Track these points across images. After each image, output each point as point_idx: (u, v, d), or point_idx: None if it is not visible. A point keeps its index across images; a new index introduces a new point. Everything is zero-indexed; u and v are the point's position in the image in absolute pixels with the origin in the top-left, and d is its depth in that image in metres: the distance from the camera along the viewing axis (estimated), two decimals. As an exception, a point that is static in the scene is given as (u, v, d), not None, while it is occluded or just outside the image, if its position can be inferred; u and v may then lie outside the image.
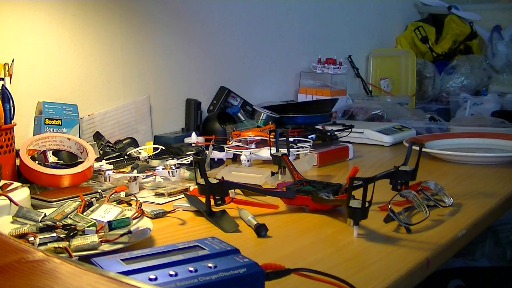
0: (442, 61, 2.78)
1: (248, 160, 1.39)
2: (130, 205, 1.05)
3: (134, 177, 1.17)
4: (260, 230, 0.91)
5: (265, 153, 1.39)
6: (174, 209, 1.05)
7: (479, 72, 2.62)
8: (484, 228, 1.05)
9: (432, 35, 2.88)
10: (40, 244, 0.79)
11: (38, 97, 1.37)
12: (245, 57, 2.01)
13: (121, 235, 0.82)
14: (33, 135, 1.31)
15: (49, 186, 1.13)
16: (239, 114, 1.74)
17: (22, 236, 0.81)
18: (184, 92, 1.76)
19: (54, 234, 0.82)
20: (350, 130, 1.70)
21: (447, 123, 2.07)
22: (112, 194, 1.04)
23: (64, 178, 1.11)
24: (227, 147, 1.44)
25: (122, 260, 0.65)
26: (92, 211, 0.94)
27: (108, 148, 1.39)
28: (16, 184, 1.05)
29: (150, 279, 0.60)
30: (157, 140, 1.62)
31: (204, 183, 0.97)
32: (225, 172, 1.27)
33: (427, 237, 0.90)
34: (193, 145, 1.48)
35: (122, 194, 1.07)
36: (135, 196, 1.05)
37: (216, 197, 0.98)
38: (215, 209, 0.99)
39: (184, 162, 1.31)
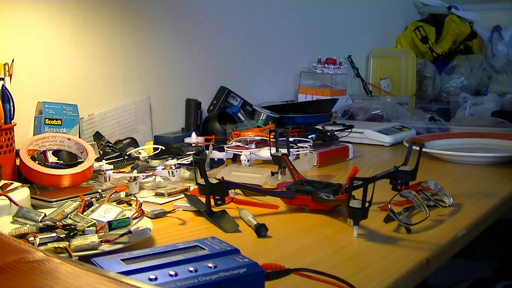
0: (442, 61, 2.78)
1: (248, 160, 1.39)
2: (130, 205, 1.05)
3: (134, 177, 1.17)
4: (260, 230, 0.91)
5: (265, 153, 1.39)
6: (174, 209, 1.05)
7: (479, 72, 2.62)
8: (484, 228, 1.05)
9: (432, 35, 2.88)
10: (40, 244, 0.79)
11: (38, 97, 1.37)
12: (245, 57, 2.01)
13: (121, 235, 0.82)
14: (33, 135, 1.31)
15: (49, 186, 1.13)
16: (239, 114, 1.74)
17: (22, 236, 0.81)
18: (184, 92, 1.77)
19: (54, 234, 0.82)
20: (350, 130, 1.70)
21: (447, 123, 2.08)
22: (112, 194, 1.04)
23: (64, 178, 1.11)
24: (227, 147, 1.44)
25: (122, 260, 0.65)
26: (92, 211, 0.94)
27: (108, 148, 1.39)
28: (16, 184, 1.05)
29: (150, 279, 0.60)
30: (157, 140, 1.62)
31: (204, 183, 0.97)
32: (225, 172, 1.27)
33: (427, 237, 0.90)
34: (193, 145, 1.48)
35: (122, 194, 1.07)
36: (135, 196, 1.05)
37: (216, 197, 0.98)
38: (215, 209, 0.99)
39: (184, 162, 1.31)
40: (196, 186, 1.01)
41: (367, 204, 0.87)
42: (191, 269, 0.62)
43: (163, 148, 1.36)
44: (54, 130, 1.32)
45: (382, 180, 1.04)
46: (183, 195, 1.13)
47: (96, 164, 1.21)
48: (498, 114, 2.09)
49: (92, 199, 0.99)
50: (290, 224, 0.99)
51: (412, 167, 1.06)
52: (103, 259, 0.66)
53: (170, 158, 1.30)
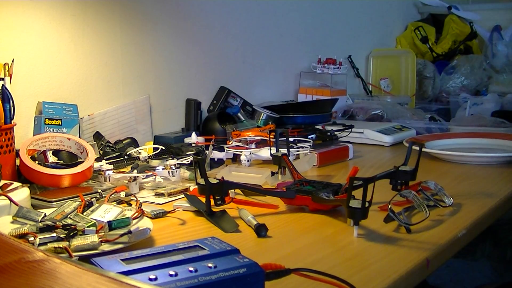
0: (442, 61, 2.78)
1: (248, 160, 1.39)
2: (130, 205, 1.05)
3: (134, 177, 1.17)
4: (260, 230, 0.91)
5: (265, 153, 1.39)
6: (174, 209, 1.05)
7: (479, 72, 2.62)
8: (484, 228, 1.05)
9: (432, 35, 2.88)
10: (40, 244, 0.79)
11: (38, 97, 1.37)
12: (245, 57, 2.01)
13: (121, 235, 0.82)
14: (33, 135, 1.31)
15: (49, 186, 1.13)
16: (239, 114, 1.74)
17: (22, 236, 0.81)
18: (184, 92, 1.76)
19: (54, 234, 0.82)
20: (350, 130, 1.70)
21: (447, 123, 2.07)
22: (112, 194, 1.04)
23: (64, 178, 1.11)
24: (227, 147, 1.44)
25: (122, 260, 0.65)
26: (92, 211, 0.94)
27: (108, 148, 1.39)
28: (16, 184, 1.05)
29: (150, 279, 0.60)
30: (157, 140, 1.62)
31: (204, 183, 0.97)
32: (225, 172, 1.27)
33: (427, 237, 0.90)
34: (193, 145, 1.48)
35: (122, 194, 1.07)
36: (135, 196, 1.05)
37: (216, 197, 0.98)
38: (215, 209, 0.99)
39: (184, 162, 1.31)
40: (196, 186, 1.01)
41: (367, 204, 0.87)
42: (191, 269, 0.62)
43: (163, 148, 1.36)
44: (54, 130, 1.32)
45: (382, 180, 1.04)
46: (183, 195, 1.13)
47: (96, 164, 1.21)
48: (498, 114, 2.09)
49: (92, 199, 0.99)
50: (290, 224, 0.99)
51: (412, 167, 1.06)
52: (103, 259, 0.66)
53: (170, 158, 1.30)
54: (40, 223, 0.86)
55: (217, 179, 0.99)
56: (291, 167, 1.20)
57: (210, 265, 0.63)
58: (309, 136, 1.57)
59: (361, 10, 2.65)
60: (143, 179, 1.18)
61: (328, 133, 1.62)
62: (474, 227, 0.99)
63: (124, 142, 1.45)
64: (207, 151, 1.40)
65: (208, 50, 1.84)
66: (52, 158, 1.24)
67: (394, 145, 1.74)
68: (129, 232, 0.82)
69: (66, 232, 0.83)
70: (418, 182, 1.09)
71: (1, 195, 0.96)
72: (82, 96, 1.47)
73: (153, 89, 1.67)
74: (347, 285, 0.68)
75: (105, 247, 0.81)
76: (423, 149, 1.15)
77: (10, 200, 0.95)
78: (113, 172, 1.21)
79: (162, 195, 1.15)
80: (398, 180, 1.07)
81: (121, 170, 1.27)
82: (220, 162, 1.41)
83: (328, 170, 1.42)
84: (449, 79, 2.63)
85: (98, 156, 1.34)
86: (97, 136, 1.45)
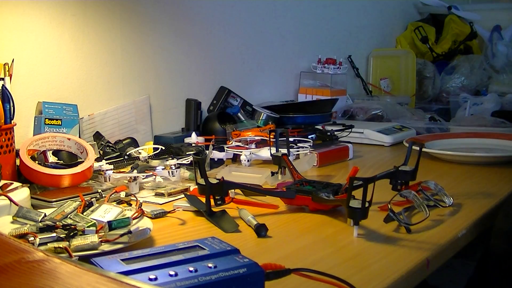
0: (442, 61, 2.78)
1: (248, 160, 1.39)
2: (130, 205, 1.05)
3: (134, 177, 1.17)
4: (260, 230, 0.91)
5: (265, 153, 1.39)
6: (174, 209, 1.05)
7: (479, 72, 2.62)
8: (484, 228, 1.05)
9: (432, 35, 2.88)
10: (40, 244, 0.79)
11: (38, 97, 1.37)
12: (245, 57, 2.01)
13: (121, 235, 0.82)
14: (33, 135, 1.31)
15: (49, 186, 1.13)
16: (239, 114, 1.74)
17: (22, 236, 0.81)
18: (184, 92, 1.76)
19: (54, 234, 0.82)
20: (350, 130, 1.70)
21: (447, 123, 2.07)
22: (112, 194, 1.04)
23: (64, 178, 1.11)
24: (227, 147, 1.44)
25: (122, 260, 0.65)
26: (92, 211, 0.94)
27: (108, 148, 1.39)
28: (16, 184, 1.05)
29: (150, 279, 0.60)
30: (157, 140, 1.62)
31: (204, 183, 0.97)
32: (225, 172, 1.27)
33: (427, 237, 0.90)
34: (193, 145, 1.48)
35: (122, 194, 1.07)
36: (135, 196, 1.05)
37: (216, 197, 0.98)
38: (215, 209, 1.00)
39: (184, 162, 1.31)
40: (196, 186, 1.01)
41: (367, 204, 0.87)
42: (191, 269, 0.62)
43: (163, 148, 1.36)
44: (54, 130, 1.32)
45: (382, 180, 1.04)
46: (183, 195, 1.13)
47: (96, 164, 1.21)
48: (498, 114, 2.09)
49: (92, 199, 0.99)
50: (290, 224, 0.99)
51: (412, 167, 1.06)
52: (103, 259, 0.66)
53: (170, 158, 1.30)
54: (40, 223, 0.86)
55: (217, 179, 0.99)
56: (291, 167, 1.20)
57: (210, 265, 0.63)
58: (309, 136, 1.57)
59: (361, 10, 2.65)
60: (143, 179, 1.18)
61: (328, 133, 1.62)
62: (474, 227, 0.99)
63: (124, 142, 1.45)
64: (207, 151, 1.40)
65: (208, 50, 1.84)
66: (52, 158, 1.24)
67: (394, 145, 1.74)
68: (129, 232, 0.82)
69: (66, 232, 0.83)
70: (418, 182, 1.09)
71: (1, 195, 0.96)
72: (82, 96, 1.47)
73: (153, 89, 1.67)
74: (347, 285, 0.68)
75: (105, 247, 0.81)
76: (423, 149, 1.15)
77: (10, 200, 0.95)
78: (113, 172, 1.21)
79: (162, 195, 1.15)
80: (398, 180, 1.07)
81: (121, 170, 1.27)
82: (220, 162, 1.41)
83: (328, 170, 1.42)
84: (449, 79, 2.63)
85: (98, 156, 1.34)
86: (97, 136, 1.45)
